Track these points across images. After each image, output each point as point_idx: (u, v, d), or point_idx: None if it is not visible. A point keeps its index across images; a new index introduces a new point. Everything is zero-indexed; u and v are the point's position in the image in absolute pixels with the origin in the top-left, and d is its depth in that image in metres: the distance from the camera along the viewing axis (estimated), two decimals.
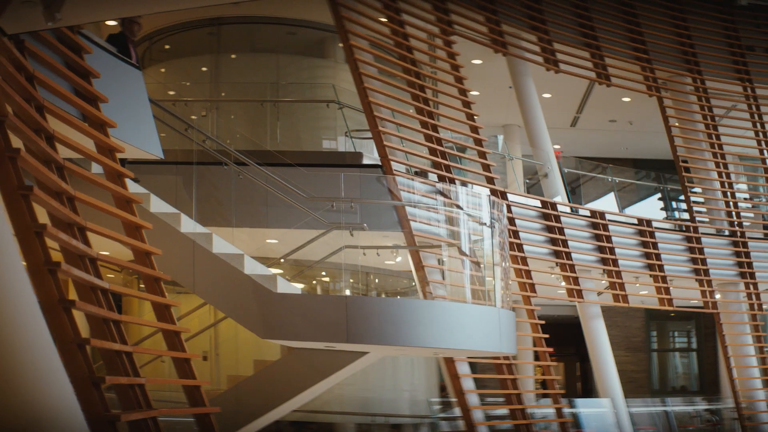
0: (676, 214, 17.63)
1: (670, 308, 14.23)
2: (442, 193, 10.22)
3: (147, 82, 14.98)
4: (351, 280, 14.78)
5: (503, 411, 11.95)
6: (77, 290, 6.08)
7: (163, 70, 14.80)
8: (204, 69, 14.73)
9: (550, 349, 12.77)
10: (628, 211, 18.82)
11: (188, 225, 8.77)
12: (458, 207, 9.73)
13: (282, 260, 11.88)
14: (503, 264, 9.58)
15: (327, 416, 13.29)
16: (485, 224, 9.22)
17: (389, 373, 15.09)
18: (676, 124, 15.50)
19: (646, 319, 20.80)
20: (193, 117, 14.01)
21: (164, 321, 7.18)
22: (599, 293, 14.28)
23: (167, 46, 14.63)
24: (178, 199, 9.54)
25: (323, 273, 13.56)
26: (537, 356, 13.32)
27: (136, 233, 7.21)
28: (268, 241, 11.79)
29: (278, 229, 10.90)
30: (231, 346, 13.07)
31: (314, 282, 13.77)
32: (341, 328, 8.01)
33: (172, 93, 14.99)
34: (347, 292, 13.70)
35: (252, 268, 8.77)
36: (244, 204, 10.14)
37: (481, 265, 9.48)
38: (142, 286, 14.22)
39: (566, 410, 13.12)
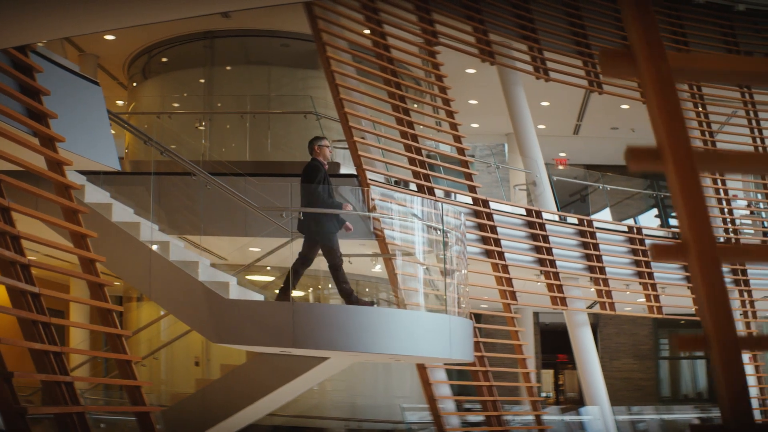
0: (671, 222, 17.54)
1: (659, 316, 14.21)
2: (398, 202, 10.42)
3: (147, 95, 15.51)
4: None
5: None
6: (10, 295, 6.47)
7: (161, 82, 15.27)
8: (202, 81, 15.14)
9: (531, 356, 12.87)
10: (640, 219, 18.76)
11: (149, 233, 9.12)
12: (414, 215, 9.93)
13: (268, 268, 12.27)
14: (461, 271, 9.75)
15: (308, 421, 13.55)
16: (439, 232, 9.40)
17: (381, 379, 15.31)
18: None
19: (654, 326, 20.66)
20: (202, 127, 14.47)
21: (107, 325, 7.53)
22: (590, 305, 14.31)
23: (164, 59, 15.08)
24: (150, 209, 9.90)
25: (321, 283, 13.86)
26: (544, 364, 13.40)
27: (81, 242, 7.58)
28: (251, 249, 12.14)
29: (261, 238, 11.25)
30: (222, 352, 13.40)
31: (310, 290, 14.08)
32: (288, 333, 8.26)
33: (176, 105, 15.48)
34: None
35: (211, 275, 9.08)
36: (213, 213, 10.47)
37: (434, 272, 9.66)
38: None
39: (572, 418, 13.23)
